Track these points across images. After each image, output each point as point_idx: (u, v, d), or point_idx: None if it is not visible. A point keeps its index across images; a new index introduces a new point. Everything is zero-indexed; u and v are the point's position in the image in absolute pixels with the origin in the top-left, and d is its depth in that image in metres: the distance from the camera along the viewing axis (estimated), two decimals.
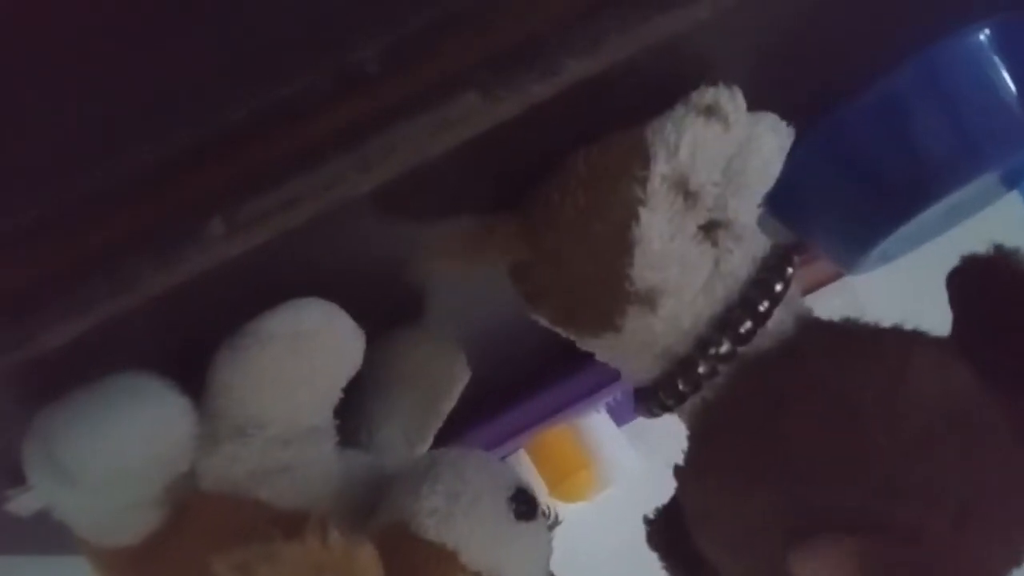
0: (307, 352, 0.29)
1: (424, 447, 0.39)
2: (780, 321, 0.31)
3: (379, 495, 0.32)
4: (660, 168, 0.29)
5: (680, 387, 0.31)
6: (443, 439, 0.55)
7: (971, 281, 0.30)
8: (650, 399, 0.32)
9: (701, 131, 0.29)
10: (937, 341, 0.29)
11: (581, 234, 0.30)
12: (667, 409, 0.32)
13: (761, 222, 0.37)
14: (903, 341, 0.29)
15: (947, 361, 0.28)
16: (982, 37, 0.42)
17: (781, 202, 0.48)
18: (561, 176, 0.30)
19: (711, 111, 0.30)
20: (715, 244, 0.31)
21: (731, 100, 0.30)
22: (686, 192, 0.29)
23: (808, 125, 0.43)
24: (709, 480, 0.31)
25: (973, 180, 0.42)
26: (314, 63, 0.28)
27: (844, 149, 0.43)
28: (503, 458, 0.74)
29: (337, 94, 0.27)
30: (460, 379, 0.39)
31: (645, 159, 0.29)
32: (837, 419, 0.27)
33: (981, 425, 0.27)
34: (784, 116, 0.41)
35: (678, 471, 0.33)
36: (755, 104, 0.36)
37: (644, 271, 0.29)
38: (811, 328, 0.31)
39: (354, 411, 0.37)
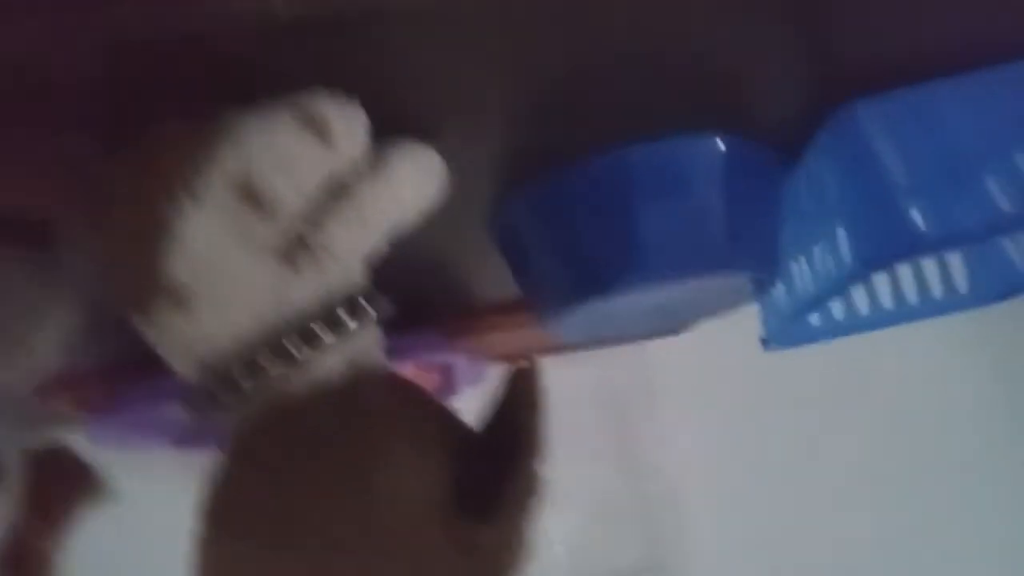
0: None
1: None
2: (327, 370, 0.29)
3: None
4: (224, 164, 0.26)
5: (204, 405, 0.28)
6: None
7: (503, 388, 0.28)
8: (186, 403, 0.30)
9: (290, 140, 0.27)
10: (441, 438, 0.28)
11: (130, 207, 0.27)
12: (206, 417, 0.30)
13: None
14: (403, 426, 0.28)
15: (429, 465, 0.26)
16: (718, 145, 0.41)
17: (506, 243, 0.46)
18: (133, 142, 0.27)
19: (312, 122, 0.27)
20: (292, 265, 0.28)
21: (342, 117, 0.28)
22: (256, 200, 0.27)
23: (541, 173, 0.42)
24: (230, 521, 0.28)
25: (644, 289, 0.41)
26: None
27: (559, 209, 0.42)
28: None
29: None
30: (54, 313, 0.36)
31: (213, 150, 0.26)
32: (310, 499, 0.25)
33: (427, 547, 0.25)
34: (503, 156, 0.39)
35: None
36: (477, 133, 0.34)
37: (178, 268, 0.27)
38: (353, 391, 0.29)
39: None
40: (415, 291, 0.58)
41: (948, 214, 0.34)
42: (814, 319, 0.54)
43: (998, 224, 0.34)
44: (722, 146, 0.41)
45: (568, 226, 0.42)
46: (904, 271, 0.53)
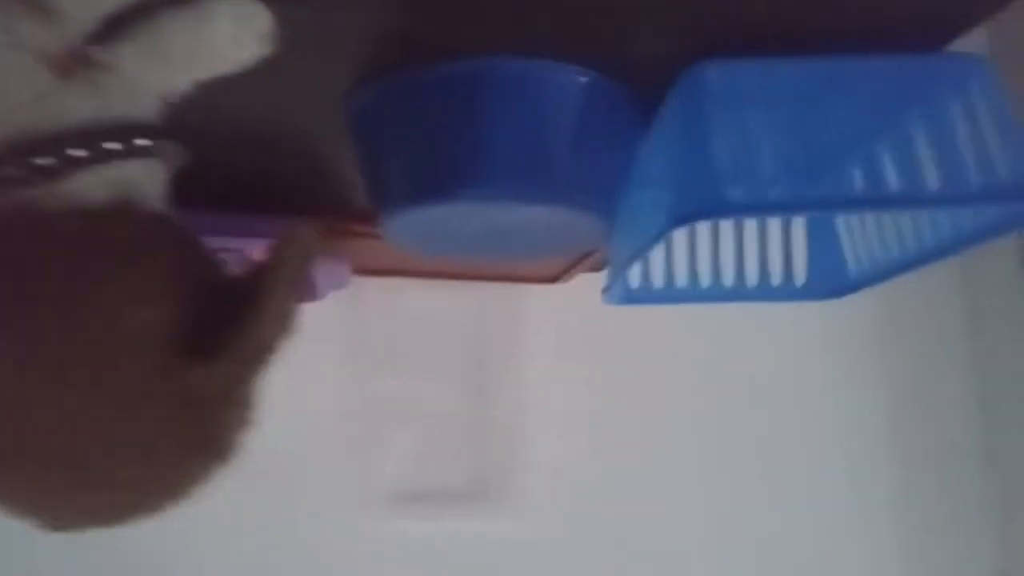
0: None
1: None
2: (82, 190, 0.28)
3: None
4: None
5: None
6: None
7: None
8: None
9: None
10: (184, 281, 0.28)
11: None
12: None
13: None
14: (141, 260, 0.27)
15: (157, 302, 0.26)
16: (578, 78, 0.41)
17: (357, 133, 0.46)
18: None
19: None
20: (66, 76, 0.27)
21: None
22: (37, 4, 0.26)
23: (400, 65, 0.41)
24: None
25: (478, 205, 0.41)
26: None
27: (410, 106, 0.41)
28: None
29: None
30: None
31: None
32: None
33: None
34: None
35: None
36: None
37: None
38: (103, 218, 0.28)
39: None
40: (277, 173, 0.57)
41: (760, 186, 0.35)
42: (657, 280, 0.55)
43: (802, 204, 0.36)
44: (582, 79, 0.41)
45: (415, 126, 0.42)
46: (749, 252, 0.55)
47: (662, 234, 0.37)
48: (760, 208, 0.34)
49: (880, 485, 0.84)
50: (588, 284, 0.75)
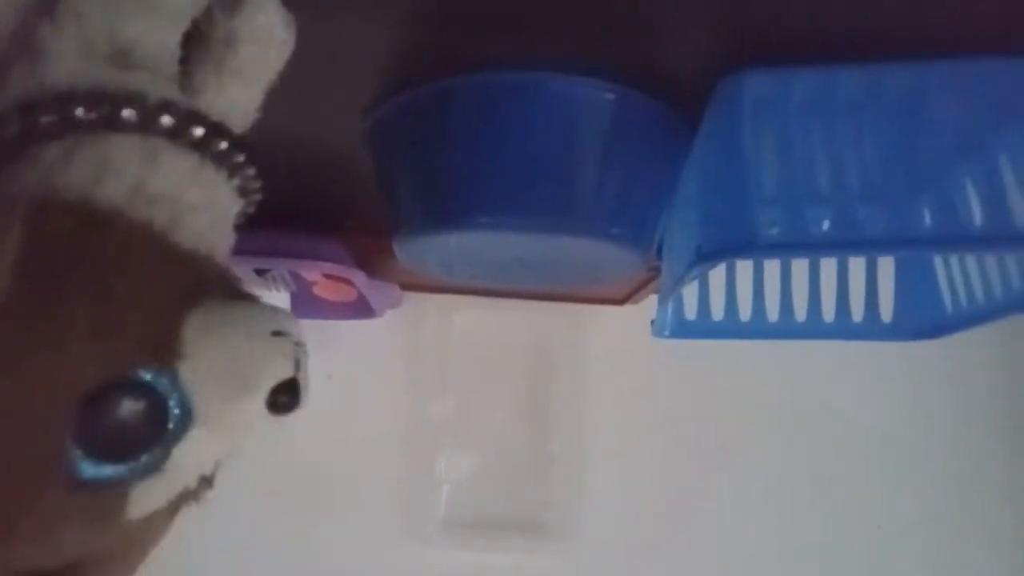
0: None
1: None
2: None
3: None
4: None
5: None
6: None
7: None
8: None
9: None
10: None
11: None
12: None
13: None
14: None
15: None
16: (608, 95, 0.36)
17: (375, 151, 0.42)
18: None
19: None
20: None
21: None
22: None
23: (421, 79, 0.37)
24: None
25: (496, 234, 0.37)
26: None
27: (424, 123, 0.37)
28: None
29: None
30: None
31: None
32: None
33: None
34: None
35: None
36: None
37: None
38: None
39: None
40: (304, 190, 0.54)
41: (801, 220, 0.29)
42: (717, 312, 0.49)
43: (863, 242, 0.29)
44: (609, 95, 0.36)
45: (424, 145, 0.38)
46: (826, 282, 0.48)
47: (691, 273, 0.31)
48: (798, 247, 0.28)
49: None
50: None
